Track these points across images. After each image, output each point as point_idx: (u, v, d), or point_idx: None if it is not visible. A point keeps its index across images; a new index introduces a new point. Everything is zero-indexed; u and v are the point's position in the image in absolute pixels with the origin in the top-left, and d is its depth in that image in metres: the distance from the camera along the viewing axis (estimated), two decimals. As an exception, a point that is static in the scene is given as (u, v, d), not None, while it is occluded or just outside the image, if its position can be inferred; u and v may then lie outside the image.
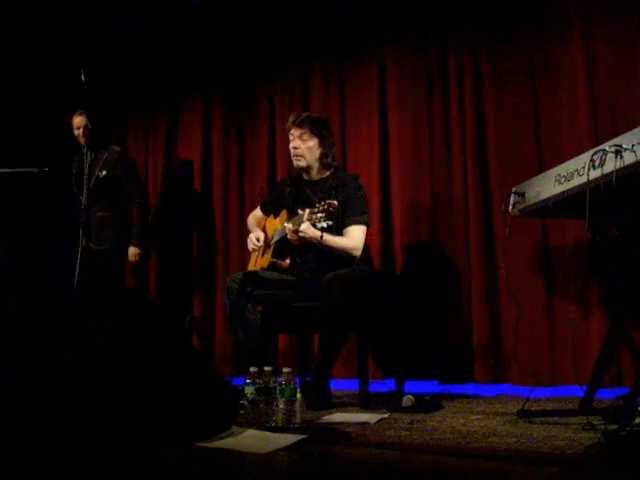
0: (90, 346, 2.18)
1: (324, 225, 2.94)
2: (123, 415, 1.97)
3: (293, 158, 3.32)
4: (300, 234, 3.04)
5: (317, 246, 3.11)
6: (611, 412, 2.18)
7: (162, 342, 2.25)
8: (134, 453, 1.86)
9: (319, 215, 2.93)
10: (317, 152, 3.29)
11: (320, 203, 2.96)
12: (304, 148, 3.27)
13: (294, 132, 3.29)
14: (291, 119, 3.33)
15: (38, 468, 1.68)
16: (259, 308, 3.20)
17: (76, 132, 4.29)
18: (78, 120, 4.28)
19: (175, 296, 4.77)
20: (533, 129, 3.55)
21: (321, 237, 3.04)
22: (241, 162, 4.69)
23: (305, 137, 3.26)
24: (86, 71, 3.30)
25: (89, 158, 4.17)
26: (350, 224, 3.17)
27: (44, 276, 4.25)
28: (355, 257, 3.16)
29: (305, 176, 3.40)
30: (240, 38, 4.65)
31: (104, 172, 4.07)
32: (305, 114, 3.35)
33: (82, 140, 4.26)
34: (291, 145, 3.30)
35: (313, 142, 3.27)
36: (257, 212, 3.69)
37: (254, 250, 3.46)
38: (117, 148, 4.31)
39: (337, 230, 3.16)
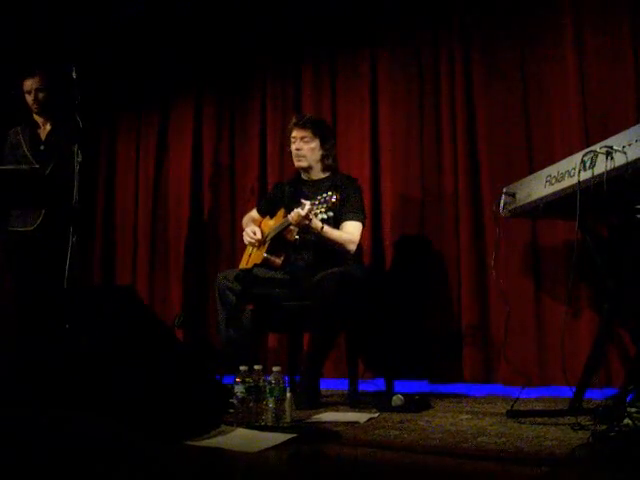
0: (80, 345, 2.16)
1: (324, 217, 3.00)
2: (112, 413, 1.95)
3: (295, 158, 3.38)
4: (307, 221, 3.03)
5: (315, 240, 3.16)
6: (600, 412, 2.19)
7: (152, 340, 2.24)
8: (125, 451, 1.85)
9: (320, 206, 2.95)
10: (318, 153, 3.36)
11: (322, 195, 2.99)
12: (306, 149, 3.33)
13: (296, 134, 3.35)
14: (293, 120, 3.39)
15: (34, 467, 1.67)
16: (250, 306, 3.20)
17: (28, 98, 3.72)
18: (29, 83, 3.70)
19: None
20: (524, 128, 3.57)
21: (322, 228, 3.09)
22: (232, 159, 4.67)
23: (307, 139, 3.32)
24: (78, 69, 3.21)
25: (45, 129, 3.74)
26: (347, 220, 3.23)
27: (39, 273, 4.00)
28: (350, 251, 3.20)
29: (304, 176, 3.44)
30: (231, 36, 4.64)
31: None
32: (307, 116, 3.42)
33: (35, 107, 3.72)
34: (293, 147, 3.36)
35: (315, 143, 3.34)
36: (253, 213, 3.69)
37: (251, 243, 3.44)
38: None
39: (335, 226, 3.20)
